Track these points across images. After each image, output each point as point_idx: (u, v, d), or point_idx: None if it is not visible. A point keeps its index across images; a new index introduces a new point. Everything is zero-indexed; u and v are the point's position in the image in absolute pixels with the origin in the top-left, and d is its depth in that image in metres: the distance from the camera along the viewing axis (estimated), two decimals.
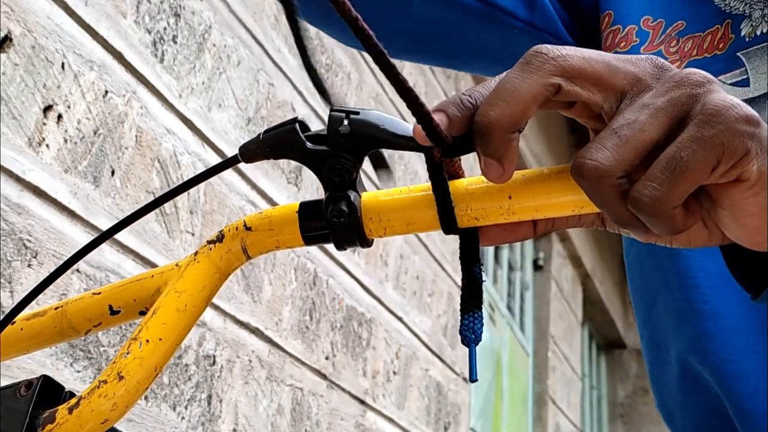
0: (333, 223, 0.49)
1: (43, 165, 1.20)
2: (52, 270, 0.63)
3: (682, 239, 0.47)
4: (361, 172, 0.50)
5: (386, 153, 0.51)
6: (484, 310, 0.51)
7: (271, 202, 1.81)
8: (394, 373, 2.46)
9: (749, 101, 0.72)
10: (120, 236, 1.33)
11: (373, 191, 0.50)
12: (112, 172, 1.34)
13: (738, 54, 0.74)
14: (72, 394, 0.53)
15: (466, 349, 0.49)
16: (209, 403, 1.57)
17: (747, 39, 0.74)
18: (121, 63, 1.37)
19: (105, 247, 1.31)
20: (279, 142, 0.50)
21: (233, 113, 1.70)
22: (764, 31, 0.73)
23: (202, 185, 1.57)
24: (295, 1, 0.46)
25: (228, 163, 0.51)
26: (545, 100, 0.43)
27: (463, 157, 0.47)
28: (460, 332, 0.48)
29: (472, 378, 0.48)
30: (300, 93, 1.98)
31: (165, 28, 1.49)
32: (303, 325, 1.94)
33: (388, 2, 0.81)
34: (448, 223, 0.48)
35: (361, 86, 2.33)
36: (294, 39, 0.47)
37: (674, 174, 0.40)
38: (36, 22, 1.20)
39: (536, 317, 4.86)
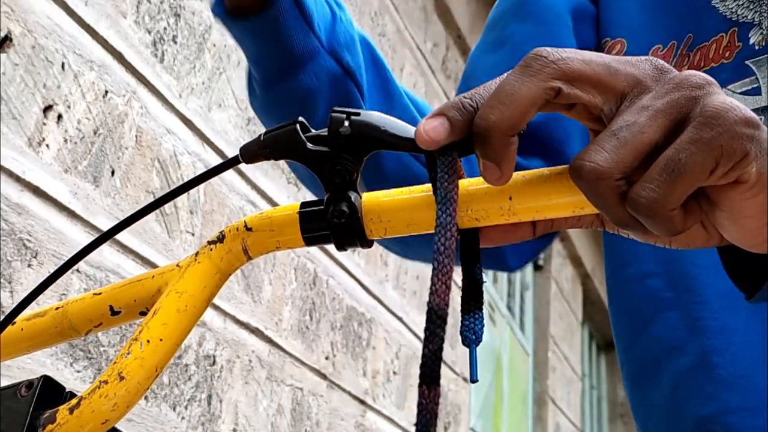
0: (333, 223, 0.49)
1: (43, 165, 1.20)
2: (52, 270, 0.63)
3: (680, 240, 0.47)
4: (361, 172, 0.50)
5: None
6: (484, 310, 0.51)
7: (271, 202, 1.81)
8: (394, 373, 2.46)
9: (762, 110, 0.71)
10: (120, 236, 1.33)
11: (373, 192, 0.50)
12: (112, 172, 1.34)
13: (747, 62, 0.73)
14: (72, 395, 0.53)
15: (467, 349, 0.49)
16: (209, 403, 1.57)
17: (757, 47, 0.73)
18: (121, 63, 1.37)
19: (105, 247, 1.31)
20: (280, 142, 0.49)
21: (233, 113, 1.70)
22: None
23: (202, 185, 1.57)
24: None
25: (229, 163, 0.51)
26: (544, 103, 0.43)
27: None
28: (461, 333, 0.48)
29: (473, 378, 0.48)
30: None
31: (165, 28, 1.49)
32: (303, 325, 1.94)
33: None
34: None
35: None
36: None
37: (672, 176, 0.40)
38: (36, 22, 1.20)
39: (536, 317, 4.86)
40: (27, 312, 0.58)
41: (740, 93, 0.73)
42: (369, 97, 0.75)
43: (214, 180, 1.62)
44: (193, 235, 1.54)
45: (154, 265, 1.41)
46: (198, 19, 1.59)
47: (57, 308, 0.58)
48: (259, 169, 1.78)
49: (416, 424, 0.43)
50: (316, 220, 0.50)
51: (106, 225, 1.31)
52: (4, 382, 0.56)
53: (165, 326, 0.51)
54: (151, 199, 1.43)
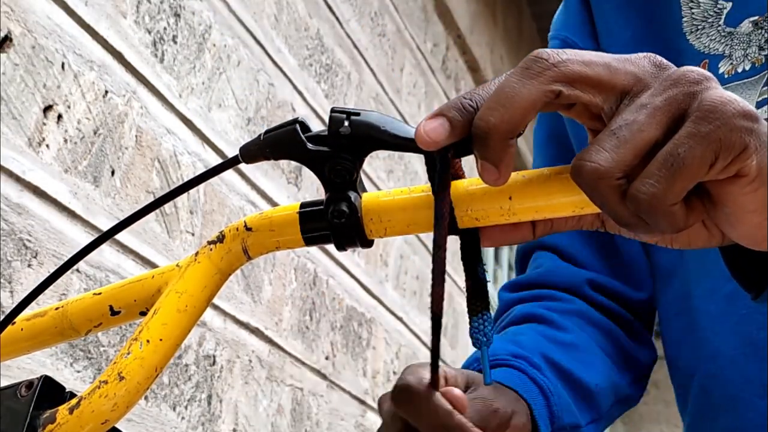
0: (333, 223, 0.49)
1: (43, 165, 1.20)
2: (52, 270, 0.63)
3: (682, 240, 0.47)
4: (361, 172, 0.50)
5: (386, 153, 0.51)
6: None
7: (271, 202, 1.81)
8: (394, 373, 2.46)
9: None
10: (120, 236, 1.33)
11: (373, 192, 0.50)
12: (112, 172, 1.35)
13: None
14: (72, 395, 0.53)
15: (467, 350, 0.49)
16: (209, 403, 1.57)
17: (726, 76, 0.78)
18: (121, 63, 1.37)
19: (105, 247, 1.31)
20: (280, 142, 0.50)
21: (233, 113, 1.70)
22: (746, 68, 0.77)
23: (202, 185, 1.57)
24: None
25: (229, 163, 0.51)
26: (544, 105, 0.43)
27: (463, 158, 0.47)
28: (471, 335, 0.48)
29: (487, 381, 0.48)
30: (300, 93, 1.98)
31: (165, 28, 1.49)
32: (303, 325, 1.94)
33: None
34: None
35: (361, 86, 2.33)
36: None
37: (672, 170, 0.40)
38: (36, 22, 1.20)
39: None
40: (27, 312, 0.58)
41: None
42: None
43: (214, 180, 1.62)
44: (193, 235, 1.54)
45: (154, 265, 1.41)
46: (198, 19, 1.59)
47: (57, 308, 0.58)
48: (259, 169, 1.78)
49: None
50: (316, 220, 0.50)
51: (106, 225, 1.31)
52: (4, 382, 0.56)
53: (165, 326, 0.51)
54: (151, 199, 1.43)
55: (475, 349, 0.62)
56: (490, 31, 3.54)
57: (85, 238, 1.26)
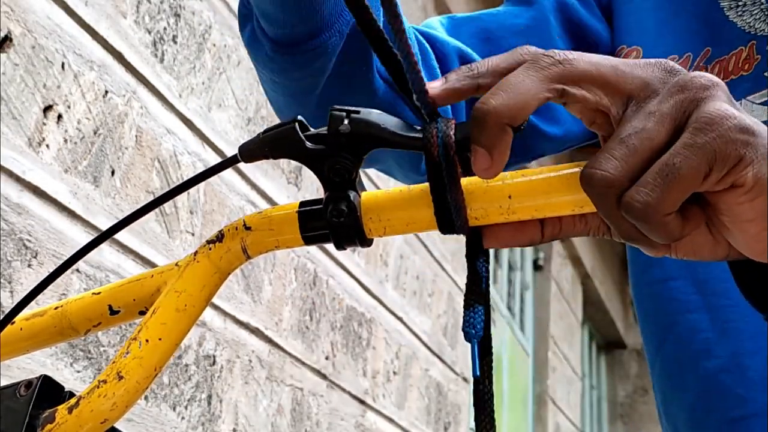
0: (333, 222, 0.49)
1: (43, 165, 1.20)
2: (52, 270, 0.63)
3: (687, 250, 0.47)
4: (360, 171, 0.50)
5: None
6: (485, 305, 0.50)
7: (271, 202, 1.81)
8: (394, 373, 2.46)
9: None
10: (120, 236, 1.33)
11: (372, 191, 0.50)
12: (112, 172, 1.34)
13: (765, 74, 0.74)
14: (72, 394, 0.53)
15: (467, 349, 0.49)
16: (209, 403, 1.57)
17: None
18: (121, 63, 1.37)
19: (105, 247, 1.31)
20: (279, 141, 0.49)
21: (233, 113, 1.70)
22: None
23: (201, 185, 1.57)
24: None
25: (228, 162, 0.51)
26: (546, 99, 0.43)
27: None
28: (462, 328, 0.48)
29: (475, 374, 0.48)
30: None
31: (165, 28, 1.49)
32: (303, 325, 1.94)
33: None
34: (446, 223, 0.48)
35: None
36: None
37: (666, 180, 0.41)
38: (36, 22, 1.20)
39: (536, 317, 4.86)
40: (26, 312, 0.58)
41: (759, 103, 0.74)
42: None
43: (214, 180, 1.62)
44: (193, 235, 1.54)
45: (153, 265, 1.41)
46: (198, 19, 1.59)
47: (56, 308, 0.58)
48: (259, 169, 1.78)
49: None
50: (315, 219, 0.50)
51: (106, 225, 1.31)
52: (4, 382, 0.56)
53: (164, 326, 0.51)
54: (151, 199, 1.43)
55: None
56: None
57: (85, 238, 1.26)
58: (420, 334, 2.66)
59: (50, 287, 0.60)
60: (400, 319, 2.51)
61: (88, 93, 1.30)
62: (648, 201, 0.41)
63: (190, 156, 1.54)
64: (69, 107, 1.26)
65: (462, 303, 0.52)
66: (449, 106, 0.78)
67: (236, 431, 1.65)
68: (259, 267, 1.77)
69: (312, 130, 0.49)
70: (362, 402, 2.23)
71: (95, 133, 1.31)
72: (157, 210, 1.35)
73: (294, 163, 1.58)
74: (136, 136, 1.40)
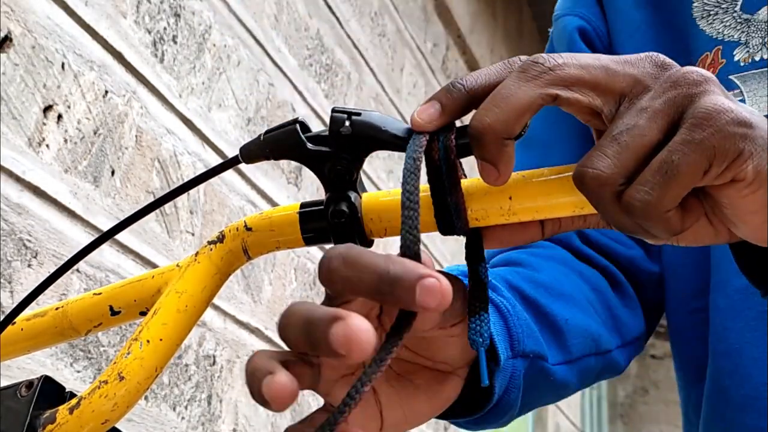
0: (333, 223, 0.49)
1: (43, 165, 1.20)
2: (52, 270, 0.63)
3: (688, 237, 0.47)
4: (361, 172, 0.50)
5: (387, 153, 0.51)
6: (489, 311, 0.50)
7: (271, 202, 1.81)
8: None
9: None
10: (120, 236, 1.33)
11: (373, 192, 0.50)
12: (112, 172, 1.35)
13: (731, 77, 0.75)
14: (72, 395, 0.53)
15: None
16: (209, 403, 1.57)
17: (742, 64, 0.75)
18: (121, 63, 1.37)
19: (105, 247, 1.31)
20: (280, 142, 0.50)
21: (233, 113, 1.70)
22: (764, 57, 0.74)
23: (201, 185, 1.57)
24: None
25: (229, 163, 0.51)
26: (539, 107, 0.43)
27: (463, 159, 0.47)
28: (469, 337, 0.48)
29: (484, 382, 0.48)
30: (300, 93, 1.98)
31: (165, 28, 1.49)
32: None
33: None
34: (446, 225, 0.48)
35: (361, 86, 2.33)
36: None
37: (666, 177, 0.41)
38: (36, 22, 1.20)
39: None
40: (27, 312, 0.58)
41: None
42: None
43: (214, 180, 1.62)
44: (193, 235, 1.54)
45: (154, 265, 1.41)
46: (198, 19, 1.59)
47: (57, 308, 0.58)
48: (259, 169, 1.78)
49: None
50: (316, 220, 0.50)
51: (106, 225, 1.31)
52: (4, 382, 0.56)
53: (165, 326, 0.51)
54: (151, 199, 1.43)
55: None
56: (490, 31, 3.54)
57: (85, 238, 1.26)
58: None
59: (50, 287, 0.60)
60: None
61: (88, 93, 1.30)
62: (648, 199, 0.41)
63: (190, 156, 1.54)
64: (69, 107, 1.26)
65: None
66: None
67: (236, 431, 1.65)
68: (259, 267, 1.77)
69: (313, 131, 0.49)
70: None
71: (95, 133, 1.31)
72: (157, 210, 1.35)
73: (294, 163, 1.58)
74: (136, 136, 1.40)
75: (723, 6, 0.79)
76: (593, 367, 0.74)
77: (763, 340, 0.70)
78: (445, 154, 0.46)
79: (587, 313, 0.73)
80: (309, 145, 0.49)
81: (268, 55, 1.84)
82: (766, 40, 0.75)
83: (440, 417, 0.57)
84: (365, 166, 0.50)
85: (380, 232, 0.50)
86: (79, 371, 1.25)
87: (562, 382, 0.68)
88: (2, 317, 0.57)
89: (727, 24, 0.78)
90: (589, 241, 0.82)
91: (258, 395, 0.39)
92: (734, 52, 0.76)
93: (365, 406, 0.51)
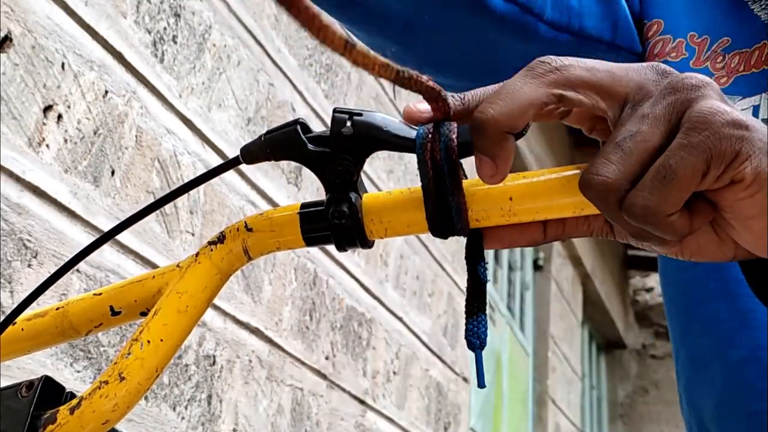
0: (334, 224, 0.49)
1: (43, 165, 1.20)
2: (52, 270, 0.63)
3: (693, 250, 0.47)
4: (361, 173, 0.50)
5: (386, 153, 0.51)
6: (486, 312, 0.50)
7: (271, 202, 1.81)
8: (394, 373, 2.46)
9: None
10: (120, 236, 1.34)
11: (374, 192, 0.50)
12: (112, 172, 1.35)
13: None
14: (73, 395, 0.53)
15: (467, 350, 0.49)
16: (209, 403, 1.57)
17: None
18: (121, 63, 1.37)
19: (105, 247, 1.31)
20: (280, 143, 0.50)
21: (233, 113, 1.70)
22: None
23: (202, 185, 1.57)
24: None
25: (229, 164, 0.51)
26: (543, 105, 0.44)
27: (463, 160, 0.48)
28: (466, 338, 0.48)
29: (481, 385, 0.48)
30: (300, 93, 1.98)
31: (165, 28, 1.49)
32: (303, 325, 1.94)
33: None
34: (447, 225, 0.48)
35: (361, 86, 2.33)
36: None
37: (665, 182, 0.41)
38: (36, 22, 1.20)
39: (536, 317, 4.86)
40: (27, 312, 0.58)
41: None
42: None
43: (214, 180, 1.62)
44: (193, 235, 1.54)
45: (154, 265, 1.41)
46: (198, 19, 1.59)
47: (57, 308, 0.58)
48: (259, 170, 1.78)
49: None
50: (317, 221, 0.50)
51: (106, 225, 1.31)
52: (5, 382, 0.56)
53: (165, 326, 0.51)
54: (151, 199, 1.43)
55: None
56: None
57: (85, 238, 1.26)
58: (420, 334, 2.66)
59: (51, 288, 0.60)
60: (400, 319, 2.51)
61: (88, 93, 1.30)
62: (648, 204, 0.41)
63: (190, 156, 1.54)
64: (69, 107, 1.26)
65: (462, 303, 0.52)
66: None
67: (236, 431, 1.65)
68: (259, 267, 1.77)
69: (313, 132, 0.49)
70: (362, 402, 2.23)
71: (95, 133, 1.31)
72: (157, 210, 1.35)
73: (294, 163, 1.58)
74: (136, 136, 1.40)
75: None
76: None
77: None
78: (447, 153, 0.46)
79: None
80: (310, 146, 0.49)
81: (268, 55, 1.84)
82: None
83: None
84: (365, 166, 0.50)
85: (380, 233, 0.50)
86: (79, 371, 1.25)
87: None
88: (2, 317, 0.57)
89: None
90: None
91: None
92: None
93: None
